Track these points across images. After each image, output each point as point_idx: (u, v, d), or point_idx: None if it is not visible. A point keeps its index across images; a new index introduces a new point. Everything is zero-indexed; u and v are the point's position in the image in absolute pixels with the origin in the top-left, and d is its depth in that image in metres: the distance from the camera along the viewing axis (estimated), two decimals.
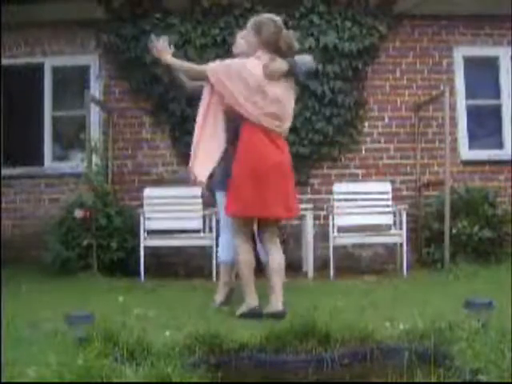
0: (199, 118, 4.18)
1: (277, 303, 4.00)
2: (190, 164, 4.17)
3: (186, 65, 4.51)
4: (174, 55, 4.39)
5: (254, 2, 7.11)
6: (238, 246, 4.14)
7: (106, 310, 3.79)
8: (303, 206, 6.90)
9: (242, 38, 4.39)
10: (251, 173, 4.00)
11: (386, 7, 7.29)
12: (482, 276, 5.60)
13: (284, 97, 4.14)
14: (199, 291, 5.35)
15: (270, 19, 4.21)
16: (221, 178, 4.31)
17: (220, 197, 4.43)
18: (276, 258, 4.17)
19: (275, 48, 4.13)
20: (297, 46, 4.31)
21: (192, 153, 4.17)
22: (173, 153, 7.34)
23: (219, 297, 4.49)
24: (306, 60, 4.29)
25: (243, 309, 4.05)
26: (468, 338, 2.72)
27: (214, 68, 4.16)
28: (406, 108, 7.40)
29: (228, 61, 4.21)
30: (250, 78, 4.03)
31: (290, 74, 4.16)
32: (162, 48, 4.32)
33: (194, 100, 6.99)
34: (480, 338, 2.70)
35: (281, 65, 4.11)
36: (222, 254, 4.51)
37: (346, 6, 7.19)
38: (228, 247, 4.40)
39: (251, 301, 4.07)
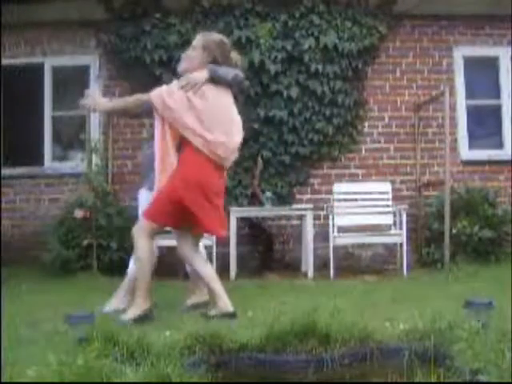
0: (157, 140, 4.09)
1: (226, 305, 4.01)
2: (159, 178, 4.11)
3: (126, 100, 4.45)
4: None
5: (254, 1, 7.12)
6: (144, 245, 4.09)
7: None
8: (303, 206, 6.93)
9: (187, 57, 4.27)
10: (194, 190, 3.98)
11: (385, 7, 7.30)
12: (481, 276, 5.60)
13: (216, 106, 4.04)
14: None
15: (220, 40, 4.17)
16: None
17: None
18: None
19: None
20: (241, 66, 4.25)
21: (156, 170, 4.11)
22: None
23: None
24: (232, 70, 4.13)
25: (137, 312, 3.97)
26: (468, 338, 2.72)
27: (158, 94, 4.06)
28: (406, 108, 7.40)
29: (165, 91, 4.08)
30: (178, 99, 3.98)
31: (217, 82, 4.05)
32: (96, 99, 4.30)
33: None
34: (480, 338, 2.70)
35: (198, 74, 4.01)
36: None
37: (346, 6, 7.20)
38: None
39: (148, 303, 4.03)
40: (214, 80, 4.03)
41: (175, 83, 4.04)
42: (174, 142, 4.04)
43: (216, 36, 4.23)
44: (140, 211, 4.50)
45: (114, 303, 4.41)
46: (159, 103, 4.00)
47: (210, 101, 4.00)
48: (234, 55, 4.22)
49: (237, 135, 4.17)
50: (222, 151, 4.04)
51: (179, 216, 4.03)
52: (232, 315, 3.93)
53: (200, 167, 4.00)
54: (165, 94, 4.01)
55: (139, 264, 4.12)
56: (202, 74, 4.01)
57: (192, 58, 4.12)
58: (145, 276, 4.06)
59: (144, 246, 4.09)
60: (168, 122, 4.02)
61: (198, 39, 4.16)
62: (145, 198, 4.52)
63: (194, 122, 3.97)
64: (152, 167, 4.16)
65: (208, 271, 4.17)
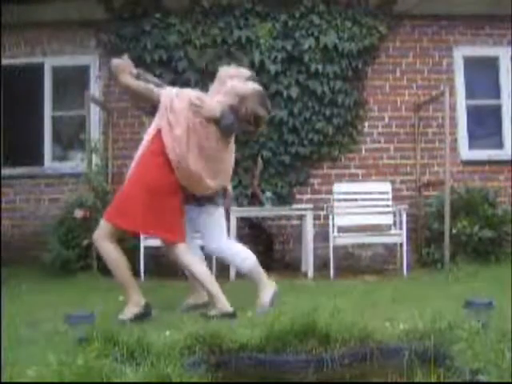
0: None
1: (224, 306, 4.02)
2: None
3: (143, 87, 4.31)
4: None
5: (254, 1, 7.12)
6: (109, 249, 4.09)
7: (105, 310, 3.79)
8: (303, 206, 6.93)
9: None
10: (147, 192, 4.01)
11: (386, 7, 7.30)
12: (481, 276, 5.60)
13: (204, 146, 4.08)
14: None
15: (258, 93, 4.28)
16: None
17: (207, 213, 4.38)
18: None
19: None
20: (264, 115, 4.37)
21: None
22: None
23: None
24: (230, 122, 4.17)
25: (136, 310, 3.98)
26: (468, 338, 2.72)
27: (168, 94, 4.09)
28: (406, 108, 7.40)
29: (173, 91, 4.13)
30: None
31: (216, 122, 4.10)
32: (125, 68, 4.21)
33: None
34: (480, 338, 2.70)
35: (214, 107, 4.07)
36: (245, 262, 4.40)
37: (346, 6, 7.20)
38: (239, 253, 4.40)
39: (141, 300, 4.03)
40: (216, 121, 4.06)
41: (191, 95, 4.06)
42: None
43: (254, 89, 4.25)
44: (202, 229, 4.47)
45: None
46: (166, 102, 4.01)
47: (211, 140, 4.06)
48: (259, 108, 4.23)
49: (217, 182, 4.20)
50: (186, 179, 4.06)
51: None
52: (232, 315, 3.93)
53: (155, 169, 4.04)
54: (174, 97, 4.04)
55: (116, 267, 4.15)
56: (214, 110, 4.04)
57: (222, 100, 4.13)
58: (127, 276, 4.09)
59: (108, 250, 4.14)
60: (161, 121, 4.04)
61: (240, 78, 4.21)
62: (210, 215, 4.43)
63: (187, 142, 3.98)
64: None
65: (203, 273, 4.16)
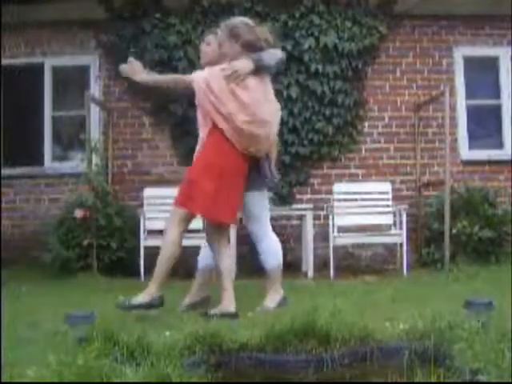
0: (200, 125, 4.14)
1: (229, 305, 4.00)
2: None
3: (162, 79, 4.40)
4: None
5: (254, 1, 7.12)
6: (175, 235, 4.11)
7: (105, 310, 3.79)
8: (303, 206, 6.93)
9: (209, 46, 4.26)
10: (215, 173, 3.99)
11: (386, 7, 7.30)
12: (482, 276, 5.59)
13: (259, 98, 4.02)
14: None
15: (243, 22, 4.13)
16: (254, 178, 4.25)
17: (253, 197, 4.34)
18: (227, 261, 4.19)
19: (255, 48, 4.03)
20: (271, 39, 4.13)
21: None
22: (173, 153, 7.34)
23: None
24: (274, 52, 4.11)
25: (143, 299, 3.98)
26: (468, 338, 2.72)
27: (201, 77, 4.04)
28: (406, 108, 7.40)
29: (209, 75, 4.04)
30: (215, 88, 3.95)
31: (260, 70, 4.00)
32: (135, 69, 4.20)
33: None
34: (480, 338, 2.70)
35: (243, 63, 3.95)
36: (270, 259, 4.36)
37: (346, 6, 7.20)
38: (275, 252, 4.37)
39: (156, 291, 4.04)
40: (257, 69, 3.98)
41: (218, 70, 3.98)
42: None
43: (239, 23, 4.13)
44: (248, 213, 4.44)
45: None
46: (202, 87, 3.96)
47: (253, 92, 3.97)
48: (260, 32, 4.10)
49: (274, 126, 4.17)
50: (254, 144, 4.03)
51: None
52: (233, 315, 3.92)
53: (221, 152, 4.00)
54: (209, 78, 3.98)
55: (166, 253, 4.16)
56: (247, 65, 3.94)
57: (223, 50, 4.06)
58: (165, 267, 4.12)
59: (172, 236, 4.16)
60: (204, 107, 4.00)
61: (224, 30, 4.08)
62: (257, 200, 4.41)
63: (233, 110, 3.92)
64: (257, 169, 4.18)
65: (228, 266, 4.15)
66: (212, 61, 4.13)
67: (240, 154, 4.05)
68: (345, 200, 6.82)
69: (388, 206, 6.81)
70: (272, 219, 7.10)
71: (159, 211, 6.70)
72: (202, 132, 4.12)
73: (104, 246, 6.29)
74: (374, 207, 6.79)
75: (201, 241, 6.49)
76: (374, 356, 2.96)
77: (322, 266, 6.53)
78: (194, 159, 4.19)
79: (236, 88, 3.95)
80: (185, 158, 7.28)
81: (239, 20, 4.19)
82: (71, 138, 7.81)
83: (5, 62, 7.41)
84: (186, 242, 6.49)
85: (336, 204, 6.72)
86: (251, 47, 4.02)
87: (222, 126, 3.97)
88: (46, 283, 5.77)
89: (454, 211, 6.36)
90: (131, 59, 4.25)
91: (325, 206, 6.95)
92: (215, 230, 4.23)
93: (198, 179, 4.01)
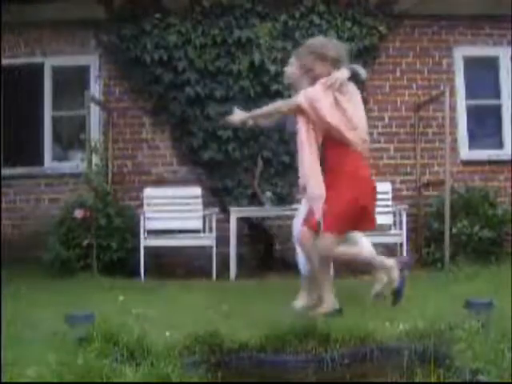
0: (304, 145, 4.14)
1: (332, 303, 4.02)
2: (307, 185, 4.23)
3: (264, 109, 4.50)
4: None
5: (254, 2, 7.12)
6: (342, 251, 4.14)
7: (106, 310, 3.79)
8: None
9: (292, 67, 4.43)
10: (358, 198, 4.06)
11: (385, 7, 7.30)
12: (482, 276, 5.58)
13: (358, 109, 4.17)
14: (199, 291, 5.34)
15: (325, 40, 4.36)
16: None
17: None
18: None
19: (340, 63, 4.17)
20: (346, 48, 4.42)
21: (306, 176, 4.21)
22: (173, 153, 7.34)
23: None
24: (359, 67, 4.30)
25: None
26: (468, 338, 2.72)
27: (305, 96, 4.12)
28: (406, 108, 7.40)
29: (311, 92, 4.12)
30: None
31: (354, 79, 4.17)
32: (240, 116, 4.45)
33: (197, 102, 7.05)
34: (480, 338, 2.70)
35: (341, 73, 4.09)
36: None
37: (346, 6, 7.20)
38: None
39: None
40: (350, 78, 4.10)
41: (319, 85, 4.08)
42: (316, 146, 4.11)
43: (318, 41, 4.34)
44: (299, 220, 4.46)
45: (300, 301, 4.38)
46: (308, 105, 4.03)
47: (353, 99, 4.10)
48: (340, 46, 4.28)
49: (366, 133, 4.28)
50: (363, 147, 4.15)
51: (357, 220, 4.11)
52: (338, 312, 3.92)
53: (359, 163, 4.09)
54: (312, 95, 4.06)
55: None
56: (344, 74, 4.07)
57: (314, 76, 4.15)
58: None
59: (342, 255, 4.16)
60: (313, 125, 4.07)
61: (304, 53, 4.22)
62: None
63: (340, 121, 4.01)
64: None
65: (326, 273, 4.16)
66: (296, 81, 4.35)
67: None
68: None
69: (388, 205, 6.81)
70: (272, 219, 7.14)
71: (159, 211, 6.71)
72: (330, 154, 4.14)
73: (104, 246, 6.29)
74: None
75: (201, 241, 6.53)
76: (373, 356, 2.97)
77: None
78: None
79: (339, 96, 4.04)
80: (185, 157, 7.30)
81: (319, 40, 4.39)
82: (71, 138, 7.81)
83: (5, 62, 7.40)
84: (186, 242, 6.55)
85: None
86: (338, 62, 4.14)
87: (342, 137, 4.03)
88: (45, 283, 5.77)
89: (454, 211, 6.36)
90: (236, 111, 4.49)
91: None
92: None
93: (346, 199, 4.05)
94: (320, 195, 4.08)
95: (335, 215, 4.00)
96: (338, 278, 6.10)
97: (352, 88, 4.14)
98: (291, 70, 4.45)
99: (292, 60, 4.45)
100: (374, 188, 4.23)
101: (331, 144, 4.08)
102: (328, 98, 4.03)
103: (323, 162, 4.13)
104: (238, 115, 4.47)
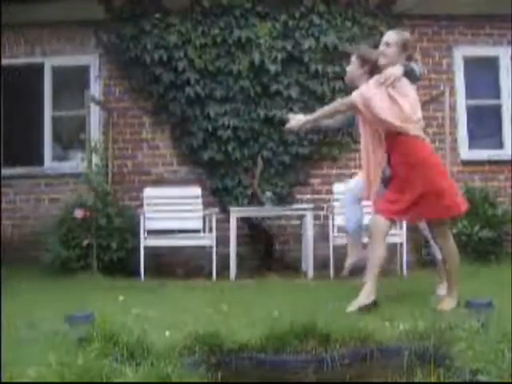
0: (367, 145, 4.25)
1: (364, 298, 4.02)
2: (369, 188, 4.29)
3: (323, 110, 4.54)
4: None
5: (254, 1, 7.11)
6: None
7: (106, 310, 3.79)
8: (303, 206, 6.93)
9: (353, 65, 4.48)
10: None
11: (385, 7, 7.30)
12: (482, 276, 5.59)
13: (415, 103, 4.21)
14: (199, 291, 5.34)
15: (406, 33, 4.46)
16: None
17: None
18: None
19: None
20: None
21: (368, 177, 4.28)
22: (173, 153, 7.34)
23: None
24: (416, 66, 4.34)
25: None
26: (468, 338, 2.72)
27: (359, 94, 4.18)
28: None
29: (364, 90, 4.18)
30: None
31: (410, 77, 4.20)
32: (296, 122, 4.49)
33: (197, 102, 7.04)
34: (480, 338, 2.70)
35: (396, 69, 4.14)
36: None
37: (346, 6, 7.20)
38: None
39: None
40: (405, 75, 4.13)
41: (373, 81, 4.13)
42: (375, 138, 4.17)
43: (407, 35, 4.44)
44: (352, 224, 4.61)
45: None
46: (361, 103, 4.09)
47: (408, 95, 4.12)
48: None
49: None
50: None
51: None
52: (370, 306, 3.94)
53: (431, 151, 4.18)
54: (365, 93, 4.11)
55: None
56: (398, 70, 4.10)
57: (388, 54, 4.20)
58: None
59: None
60: (369, 122, 4.15)
61: (393, 36, 4.27)
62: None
63: (394, 116, 4.04)
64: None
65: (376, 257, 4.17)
66: (355, 77, 4.41)
67: None
68: None
69: None
70: (272, 219, 7.14)
71: (159, 211, 6.71)
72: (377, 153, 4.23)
73: (104, 246, 6.28)
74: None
75: (201, 241, 6.53)
76: (374, 356, 2.97)
77: (321, 266, 6.52)
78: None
79: (392, 92, 4.07)
80: (185, 157, 7.30)
81: (402, 33, 4.42)
82: (71, 138, 7.81)
83: (5, 62, 7.40)
84: (186, 242, 6.55)
85: (336, 204, 6.71)
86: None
87: (406, 129, 4.05)
88: (46, 283, 5.77)
89: None
90: (291, 115, 4.59)
91: (325, 206, 6.95)
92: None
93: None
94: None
95: (398, 202, 4.08)
96: (338, 278, 6.14)
97: (406, 84, 4.15)
98: (351, 68, 4.49)
99: (353, 59, 4.48)
100: (444, 173, 4.26)
101: (391, 136, 4.12)
102: (381, 94, 4.07)
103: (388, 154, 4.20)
104: (295, 120, 4.51)
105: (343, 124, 4.90)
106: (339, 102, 4.48)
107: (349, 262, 4.66)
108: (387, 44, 4.25)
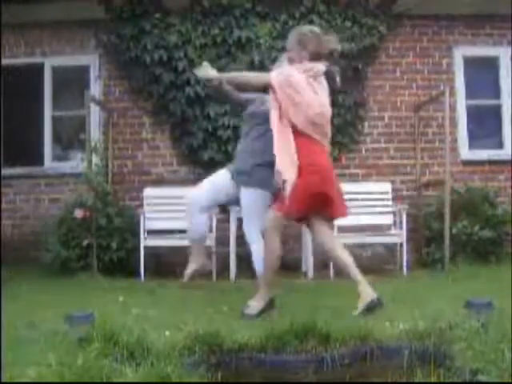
0: (276, 126, 4.08)
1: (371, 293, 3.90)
2: (279, 168, 4.07)
3: (236, 75, 4.50)
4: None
5: (254, 1, 7.11)
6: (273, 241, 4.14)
7: (105, 310, 3.79)
8: None
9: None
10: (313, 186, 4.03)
11: (386, 7, 7.30)
12: (482, 276, 5.59)
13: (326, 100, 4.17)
14: (199, 291, 5.34)
15: (311, 31, 4.23)
16: (264, 178, 4.26)
17: (257, 195, 4.38)
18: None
19: (320, 58, 4.15)
20: (338, 48, 4.28)
21: (279, 159, 4.06)
22: (173, 153, 7.34)
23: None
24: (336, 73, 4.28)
25: None
26: (468, 338, 2.72)
27: (278, 72, 4.14)
28: (406, 108, 7.40)
29: (287, 71, 4.13)
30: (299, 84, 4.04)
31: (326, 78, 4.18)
32: (209, 71, 4.38)
33: (197, 102, 7.04)
34: (480, 338, 2.70)
35: (321, 66, 4.12)
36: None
37: (346, 6, 7.20)
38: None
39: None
40: (326, 75, 4.13)
41: (295, 67, 4.08)
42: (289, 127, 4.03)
43: (306, 29, 4.30)
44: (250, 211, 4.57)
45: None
46: (279, 80, 4.00)
47: (323, 94, 4.09)
48: (327, 41, 4.20)
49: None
50: (326, 137, 4.14)
51: (317, 206, 4.10)
52: (378, 301, 3.82)
53: (316, 152, 4.05)
54: (285, 72, 4.06)
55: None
56: (321, 66, 4.09)
57: (290, 56, 4.18)
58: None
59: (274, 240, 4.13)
60: (281, 104, 4.00)
61: (291, 36, 4.23)
62: (260, 198, 4.45)
63: (309, 100, 3.98)
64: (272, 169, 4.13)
65: (348, 258, 4.15)
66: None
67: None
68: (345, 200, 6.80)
69: (388, 206, 6.81)
70: None
71: (159, 211, 6.71)
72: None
73: (104, 246, 6.28)
74: (373, 207, 6.79)
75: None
76: (373, 356, 2.97)
77: (322, 266, 6.52)
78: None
79: (313, 82, 4.04)
80: (185, 157, 7.30)
81: (308, 29, 4.30)
82: (71, 138, 7.81)
83: (5, 61, 7.40)
84: (186, 242, 6.53)
85: None
86: (317, 57, 4.12)
87: (295, 120, 3.98)
88: (45, 283, 5.76)
89: (454, 211, 6.36)
90: (205, 63, 4.44)
91: None
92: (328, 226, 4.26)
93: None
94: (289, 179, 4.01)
95: (290, 200, 4.00)
96: (338, 278, 6.14)
97: (324, 83, 4.12)
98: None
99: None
100: (330, 175, 4.15)
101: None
102: (304, 80, 4.02)
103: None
104: (208, 71, 4.35)
105: (242, 103, 4.64)
106: (255, 75, 4.39)
107: (192, 268, 4.59)
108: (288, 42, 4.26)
